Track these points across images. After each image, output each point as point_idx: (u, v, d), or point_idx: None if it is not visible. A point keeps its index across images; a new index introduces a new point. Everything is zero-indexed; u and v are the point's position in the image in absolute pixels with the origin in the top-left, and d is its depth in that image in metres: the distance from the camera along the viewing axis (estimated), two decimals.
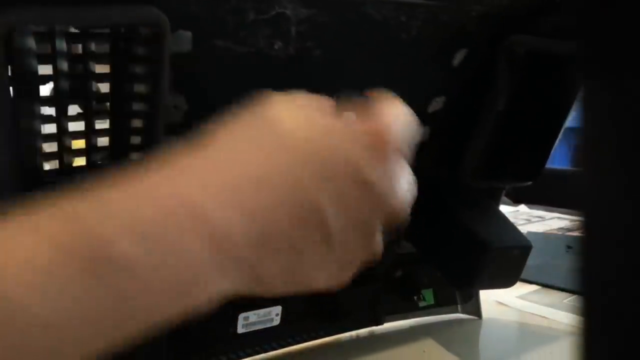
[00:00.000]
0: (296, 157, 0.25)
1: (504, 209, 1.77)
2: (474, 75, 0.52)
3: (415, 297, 0.66)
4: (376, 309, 0.65)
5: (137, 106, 0.38)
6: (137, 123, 0.39)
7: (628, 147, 0.15)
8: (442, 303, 0.71)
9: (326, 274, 0.28)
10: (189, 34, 0.39)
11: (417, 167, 0.59)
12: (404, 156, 0.30)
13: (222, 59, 0.41)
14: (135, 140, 0.39)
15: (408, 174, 0.30)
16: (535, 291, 0.83)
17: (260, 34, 0.41)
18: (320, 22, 0.43)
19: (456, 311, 0.73)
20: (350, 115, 0.29)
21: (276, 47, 0.42)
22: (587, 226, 0.16)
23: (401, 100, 0.32)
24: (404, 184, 0.30)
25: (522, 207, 1.68)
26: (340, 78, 0.47)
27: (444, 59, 0.50)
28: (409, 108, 0.32)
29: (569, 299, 0.78)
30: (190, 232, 0.23)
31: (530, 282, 0.86)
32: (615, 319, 0.16)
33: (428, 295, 0.69)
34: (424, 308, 0.70)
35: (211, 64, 0.41)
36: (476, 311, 0.73)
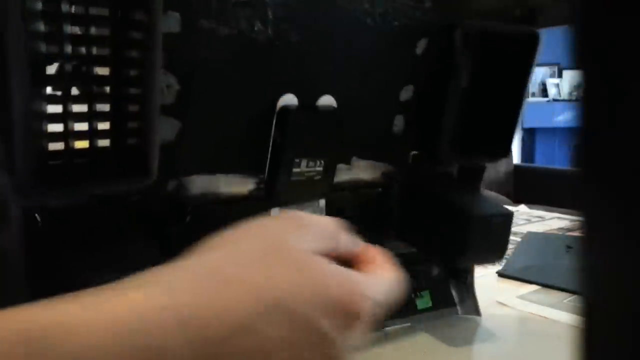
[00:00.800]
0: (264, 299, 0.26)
1: None
2: (436, 62, 0.57)
3: (412, 295, 0.67)
4: None
5: (133, 89, 0.40)
6: (133, 107, 0.40)
7: (628, 145, 0.15)
8: (440, 305, 0.71)
9: None
10: (177, 14, 0.42)
11: (397, 159, 0.60)
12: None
13: (208, 39, 0.43)
14: (133, 124, 0.41)
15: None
16: (535, 291, 0.83)
17: (242, 15, 0.44)
18: (294, 7, 0.46)
19: (455, 312, 0.73)
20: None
21: (256, 29, 0.45)
22: (586, 226, 0.16)
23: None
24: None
25: (522, 207, 1.68)
26: (316, 64, 0.50)
27: (409, 48, 0.56)
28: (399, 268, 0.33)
29: (569, 299, 0.78)
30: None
31: (530, 282, 0.86)
32: (615, 319, 0.16)
33: (426, 297, 0.69)
34: (423, 311, 0.70)
35: (199, 44, 0.43)
36: (475, 310, 0.73)
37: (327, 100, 0.52)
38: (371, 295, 0.30)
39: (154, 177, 0.41)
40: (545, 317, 0.73)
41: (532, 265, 0.94)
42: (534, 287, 0.84)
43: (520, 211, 1.61)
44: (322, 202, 0.57)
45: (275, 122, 0.50)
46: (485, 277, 0.90)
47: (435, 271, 0.72)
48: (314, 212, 0.57)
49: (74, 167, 0.39)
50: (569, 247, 1.06)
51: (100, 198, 0.44)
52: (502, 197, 2.84)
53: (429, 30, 0.56)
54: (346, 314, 0.28)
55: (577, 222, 0.16)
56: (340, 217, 0.56)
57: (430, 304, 0.70)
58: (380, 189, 0.62)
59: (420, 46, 0.57)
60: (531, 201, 1.72)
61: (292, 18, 0.47)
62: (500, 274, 0.90)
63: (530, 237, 1.20)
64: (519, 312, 0.75)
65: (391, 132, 0.60)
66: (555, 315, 0.73)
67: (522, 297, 0.80)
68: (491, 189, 3.10)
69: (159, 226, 0.48)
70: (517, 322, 0.74)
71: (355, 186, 0.60)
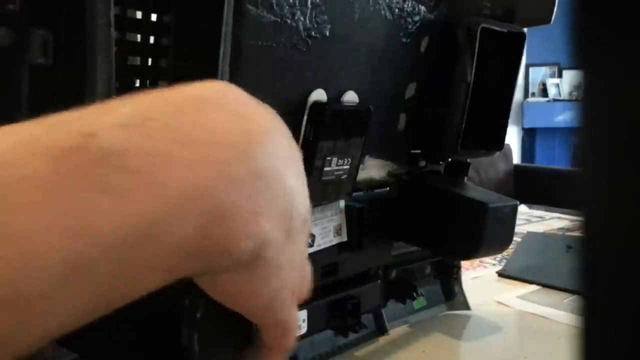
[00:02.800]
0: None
1: None
2: (438, 59, 0.60)
3: (414, 294, 0.67)
4: (379, 319, 0.66)
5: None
6: None
7: (628, 143, 0.15)
8: (433, 303, 0.73)
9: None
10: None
11: (400, 157, 0.61)
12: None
13: (253, 25, 0.42)
14: None
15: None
16: (535, 291, 0.83)
17: (285, 2, 0.43)
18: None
19: (446, 309, 0.74)
20: None
21: (296, 18, 0.44)
22: (586, 226, 0.16)
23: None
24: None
25: (522, 207, 1.68)
26: (342, 59, 0.50)
27: (415, 45, 0.57)
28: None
29: (569, 299, 0.78)
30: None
31: (530, 282, 0.86)
32: (615, 319, 0.16)
33: (421, 298, 0.70)
34: (420, 310, 0.71)
35: (245, 30, 0.42)
36: (465, 305, 0.74)
37: (351, 97, 0.52)
38: None
39: None
40: (545, 317, 0.73)
41: (532, 265, 0.94)
42: (534, 287, 0.84)
43: (521, 211, 1.61)
44: (342, 203, 0.56)
45: (308, 119, 0.48)
46: (485, 277, 0.90)
47: (428, 269, 0.73)
48: (335, 213, 0.55)
49: None
50: (569, 247, 1.06)
51: None
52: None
53: (431, 28, 0.57)
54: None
55: (577, 222, 0.16)
56: (358, 220, 0.56)
57: (425, 303, 0.71)
58: (387, 189, 0.62)
59: (424, 44, 0.58)
60: (531, 201, 1.72)
61: (328, 9, 0.46)
62: (500, 274, 0.90)
63: (530, 237, 1.20)
64: (519, 312, 0.75)
65: (396, 130, 0.60)
66: (555, 315, 0.73)
67: (522, 297, 0.80)
68: (491, 189, 3.10)
69: None
70: (517, 322, 0.74)
71: (368, 186, 0.59)
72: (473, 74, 0.58)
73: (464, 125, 0.59)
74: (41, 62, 0.33)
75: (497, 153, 0.65)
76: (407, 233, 0.63)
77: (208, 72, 0.39)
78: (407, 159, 0.63)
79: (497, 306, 0.77)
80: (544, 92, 4.30)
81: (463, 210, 0.59)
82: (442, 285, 0.75)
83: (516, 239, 1.17)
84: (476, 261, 0.98)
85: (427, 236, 0.63)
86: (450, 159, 0.68)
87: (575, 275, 0.16)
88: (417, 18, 0.55)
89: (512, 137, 4.24)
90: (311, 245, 0.53)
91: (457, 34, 0.58)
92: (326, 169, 0.49)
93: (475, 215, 0.58)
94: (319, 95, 0.48)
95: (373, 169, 0.59)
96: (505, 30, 0.60)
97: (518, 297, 0.80)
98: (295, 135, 0.48)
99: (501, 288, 0.85)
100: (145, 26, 0.40)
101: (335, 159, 0.49)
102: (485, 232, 0.57)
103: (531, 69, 4.29)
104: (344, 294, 0.58)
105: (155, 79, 0.41)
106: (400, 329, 0.67)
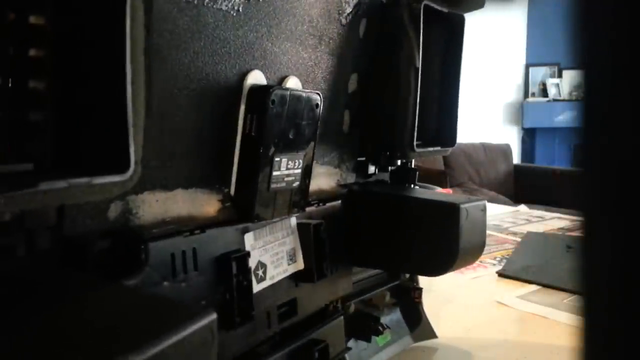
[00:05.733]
0: None
1: (504, 209, 1.77)
2: (378, 44, 0.53)
3: (380, 328, 0.56)
4: None
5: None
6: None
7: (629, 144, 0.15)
8: (397, 336, 0.63)
9: None
10: None
11: (345, 162, 0.55)
12: None
13: None
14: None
15: None
16: (535, 291, 0.83)
17: None
18: None
19: (410, 342, 0.64)
20: None
21: None
22: (586, 225, 0.16)
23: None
24: None
25: (522, 207, 1.69)
26: (280, 41, 0.43)
27: (352, 30, 0.50)
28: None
29: (569, 299, 0.78)
30: None
31: (530, 282, 0.86)
32: (615, 319, 0.16)
33: (385, 333, 0.59)
34: (385, 346, 0.60)
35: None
36: (430, 332, 0.65)
37: (294, 83, 0.44)
38: None
39: (137, 175, 0.28)
40: (545, 317, 0.73)
41: (532, 265, 0.95)
42: (534, 287, 0.84)
43: (521, 211, 1.61)
44: (293, 220, 0.46)
45: (246, 107, 0.39)
46: (485, 277, 0.90)
47: (388, 296, 0.63)
48: (287, 234, 0.46)
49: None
50: (569, 247, 1.06)
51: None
52: (502, 197, 2.84)
53: (368, 9, 0.51)
54: None
55: (577, 222, 0.16)
56: (316, 240, 0.47)
57: (389, 337, 0.61)
58: (340, 202, 0.53)
59: (362, 27, 0.51)
60: (531, 201, 1.72)
61: None
62: (500, 274, 0.90)
63: (530, 237, 1.20)
64: (519, 312, 0.75)
65: (341, 130, 0.52)
66: (555, 315, 0.73)
67: (522, 297, 0.80)
68: (491, 189, 3.10)
69: (105, 279, 0.31)
70: (517, 322, 0.74)
71: (318, 199, 0.51)
72: (421, 58, 0.52)
73: (417, 118, 0.52)
74: None
75: (450, 149, 0.58)
76: (364, 253, 0.54)
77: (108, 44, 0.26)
78: (355, 167, 0.55)
79: (497, 306, 0.77)
80: (544, 92, 4.31)
81: (431, 215, 0.52)
82: (404, 313, 0.64)
83: (516, 239, 1.17)
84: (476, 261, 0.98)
85: (389, 254, 0.54)
86: (399, 164, 0.60)
87: (575, 275, 0.16)
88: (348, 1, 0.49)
89: (512, 137, 4.25)
90: (263, 279, 0.42)
91: (399, 13, 0.52)
92: (275, 173, 0.40)
93: (446, 219, 0.50)
94: (256, 78, 0.40)
95: (321, 178, 0.51)
96: (447, 11, 0.55)
97: (518, 297, 0.80)
98: (232, 130, 0.38)
99: (501, 288, 0.85)
100: None
101: (284, 160, 0.41)
102: (459, 237, 0.50)
103: (531, 69, 4.30)
104: (307, 339, 0.46)
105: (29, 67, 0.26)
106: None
